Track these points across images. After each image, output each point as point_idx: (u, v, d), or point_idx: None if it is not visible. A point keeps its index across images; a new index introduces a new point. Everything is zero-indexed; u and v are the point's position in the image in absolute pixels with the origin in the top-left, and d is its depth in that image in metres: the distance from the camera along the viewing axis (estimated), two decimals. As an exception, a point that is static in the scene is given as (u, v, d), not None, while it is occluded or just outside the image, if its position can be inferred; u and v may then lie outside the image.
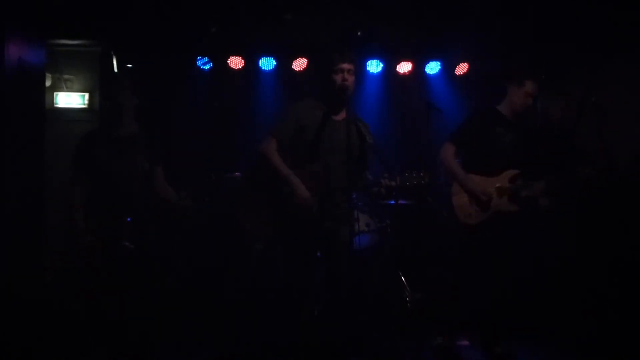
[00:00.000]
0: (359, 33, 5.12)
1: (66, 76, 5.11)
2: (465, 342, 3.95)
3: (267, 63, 5.53)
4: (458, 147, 3.71)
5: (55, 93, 5.07)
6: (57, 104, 5.08)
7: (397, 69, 5.69)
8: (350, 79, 3.05)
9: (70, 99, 5.11)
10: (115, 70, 5.11)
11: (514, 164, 3.64)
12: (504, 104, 3.76)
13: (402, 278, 4.44)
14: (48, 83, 4.94)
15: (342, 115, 3.13)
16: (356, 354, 3.28)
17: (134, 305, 3.08)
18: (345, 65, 3.03)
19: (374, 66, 5.68)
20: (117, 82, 3.22)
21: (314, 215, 2.96)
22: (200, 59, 5.39)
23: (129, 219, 3.06)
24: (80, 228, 3.00)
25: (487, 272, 3.61)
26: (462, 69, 5.69)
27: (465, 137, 3.71)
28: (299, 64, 5.53)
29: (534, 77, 3.65)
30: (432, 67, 5.73)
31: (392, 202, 4.59)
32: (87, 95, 5.12)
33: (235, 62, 5.46)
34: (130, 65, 5.19)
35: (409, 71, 5.70)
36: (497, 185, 3.61)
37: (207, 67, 5.44)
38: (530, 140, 3.76)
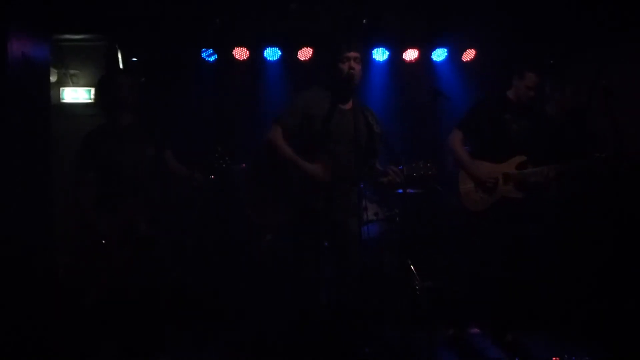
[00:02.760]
0: (364, 21, 5.06)
1: (72, 71, 5.11)
2: (477, 330, 3.95)
3: (272, 53, 5.48)
4: (466, 134, 3.69)
5: (61, 88, 5.08)
6: (63, 99, 5.09)
7: (404, 57, 5.62)
8: (357, 68, 3.03)
9: (76, 94, 5.11)
10: (121, 65, 5.11)
11: (522, 150, 3.61)
12: (512, 90, 3.73)
13: (412, 267, 4.43)
14: (54, 78, 4.95)
15: (349, 104, 3.10)
16: (367, 345, 3.27)
17: (142, 298, 3.12)
18: (352, 54, 3.01)
19: (380, 54, 5.60)
20: (113, 79, 3.29)
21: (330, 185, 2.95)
22: (205, 51, 5.36)
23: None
24: (91, 220, 3.06)
25: (496, 260, 3.60)
26: (469, 55, 5.62)
27: (473, 123, 3.68)
28: (305, 54, 5.47)
29: (534, 69, 3.61)
30: (439, 54, 5.65)
31: (401, 190, 4.56)
32: (93, 90, 5.12)
33: (240, 53, 5.42)
34: (135, 59, 5.18)
35: (416, 58, 5.62)
36: (504, 171, 3.59)
37: (212, 59, 5.42)
38: (540, 127, 3.72)
